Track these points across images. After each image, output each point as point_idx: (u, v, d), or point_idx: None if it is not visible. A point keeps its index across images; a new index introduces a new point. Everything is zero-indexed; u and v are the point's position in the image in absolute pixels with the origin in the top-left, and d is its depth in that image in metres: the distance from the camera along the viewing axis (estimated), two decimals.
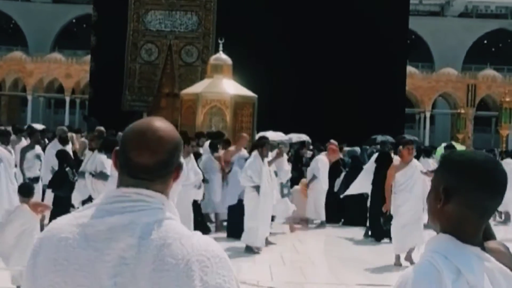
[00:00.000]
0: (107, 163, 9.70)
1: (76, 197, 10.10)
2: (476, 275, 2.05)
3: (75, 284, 2.00)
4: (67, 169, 10.63)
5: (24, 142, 15.64)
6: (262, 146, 12.85)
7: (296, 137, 25.92)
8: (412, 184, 11.61)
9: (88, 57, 43.43)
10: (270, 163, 13.10)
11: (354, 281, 10.48)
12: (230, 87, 21.93)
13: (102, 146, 9.93)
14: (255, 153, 12.79)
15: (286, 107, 31.96)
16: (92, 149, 10.10)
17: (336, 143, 18.35)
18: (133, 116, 33.99)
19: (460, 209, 2.13)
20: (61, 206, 10.22)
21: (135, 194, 2.08)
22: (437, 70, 63.95)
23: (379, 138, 26.84)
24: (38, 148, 13.02)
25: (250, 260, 11.92)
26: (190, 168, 12.29)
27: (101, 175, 9.63)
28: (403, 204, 11.53)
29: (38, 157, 12.66)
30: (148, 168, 2.10)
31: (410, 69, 49.28)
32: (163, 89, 34.95)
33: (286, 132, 24.15)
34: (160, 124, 2.20)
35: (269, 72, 31.33)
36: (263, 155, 12.67)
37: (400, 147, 12.52)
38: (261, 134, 18.73)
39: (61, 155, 12.51)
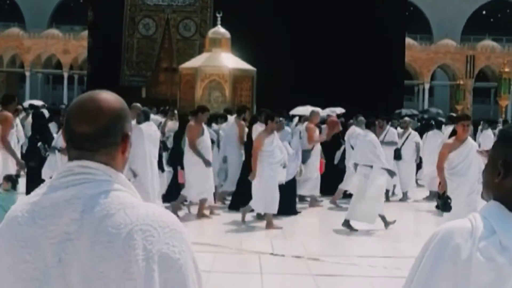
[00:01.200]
0: None
1: (46, 172, 10.01)
2: (511, 237, 2.06)
3: (21, 262, 1.98)
4: (39, 144, 10.55)
5: None
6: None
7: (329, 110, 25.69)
8: (467, 165, 10.25)
9: (86, 33, 43.27)
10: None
11: (354, 253, 10.53)
12: (229, 61, 21.90)
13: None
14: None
15: (285, 80, 31.89)
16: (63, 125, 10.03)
17: (335, 117, 18.31)
18: (132, 91, 34.01)
19: None
20: (34, 181, 10.31)
21: (78, 167, 2.05)
22: (436, 41, 63.75)
23: (404, 111, 26.71)
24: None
25: (251, 235, 11.97)
26: (275, 145, 12.32)
27: (65, 150, 9.54)
28: (456, 188, 10.11)
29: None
30: (88, 136, 2.07)
31: (408, 41, 49.10)
32: (162, 63, 34.88)
33: (287, 105, 24.05)
34: (102, 95, 2.17)
35: (267, 45, 31.22)
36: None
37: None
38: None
39: (36, 129, 12.60)
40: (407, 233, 12.75)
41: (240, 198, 13.60)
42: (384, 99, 31.08)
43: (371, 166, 12.39)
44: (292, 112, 20.65)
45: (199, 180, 12.78)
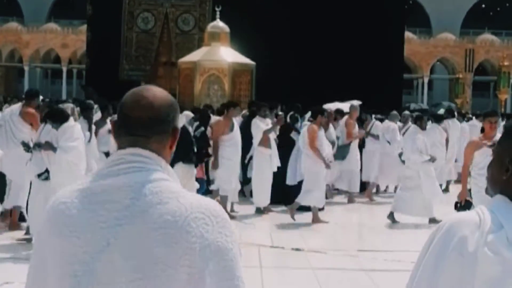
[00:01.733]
0: (54, 134, 9.58)
1: (32, 169, 9.94)
2: None
3: (70, 245, 2.02)
4: (20, 141, 10.50)
5: None
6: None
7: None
8: None
9: (84, 27, 43.22)
10: (268, 131, 13.10)
11: (354, 246, 10.55)
12: (228, 55, 21.88)
13: (47, 116, 9.73)
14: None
15: (284, 74, 31.85)
16: (42, 121, 9.93)
17: (332, 109, 18.33)
18: (130, 86, 33.93)
19: None
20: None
21: (130, 156, 2.11)
22: (435, 35, 63.72)
23: (413, 106, 26.70)
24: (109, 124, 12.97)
25: (250, 226, 12.00)
26: (324, 140, 12.55)
27: (47, 145, 9.49)
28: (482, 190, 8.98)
29: (110, 131, 12.67)
30: (144, 122, 2.15)
31: (407, 34, 49.08)
32: (160, 57, 34.81)
33: (286, 99, 24.04)
34: (156, 88, 2.33)
35: (266, 39, 31.18)
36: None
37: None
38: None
39: None
40: (406, 226, 12.77)
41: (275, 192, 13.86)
42: (383, 93, 31.07)
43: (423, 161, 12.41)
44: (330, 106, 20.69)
45: (226, 176, 12.75)
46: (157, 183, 2.06)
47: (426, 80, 60.77)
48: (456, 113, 21.32)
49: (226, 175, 12.70)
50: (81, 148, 9.54)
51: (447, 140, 16.63)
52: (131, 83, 34.01)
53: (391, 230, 12.04)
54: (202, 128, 13.76)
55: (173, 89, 25.93)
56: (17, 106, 11.62)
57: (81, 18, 51.45)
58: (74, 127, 9.60)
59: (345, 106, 17.29)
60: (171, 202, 2.01)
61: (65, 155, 9.29)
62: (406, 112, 19.11)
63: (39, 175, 9.67)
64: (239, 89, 22.00)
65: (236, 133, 12.97)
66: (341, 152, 14.38)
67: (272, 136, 13.30)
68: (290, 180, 13.97)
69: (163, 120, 2.20)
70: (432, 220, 12.13)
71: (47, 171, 9.60)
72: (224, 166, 12.74)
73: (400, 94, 36.41)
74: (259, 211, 13.14)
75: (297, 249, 10.01)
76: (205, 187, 13.64)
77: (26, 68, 59.83)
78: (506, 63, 47.42)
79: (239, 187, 13.49)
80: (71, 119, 9.70)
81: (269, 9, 32.26)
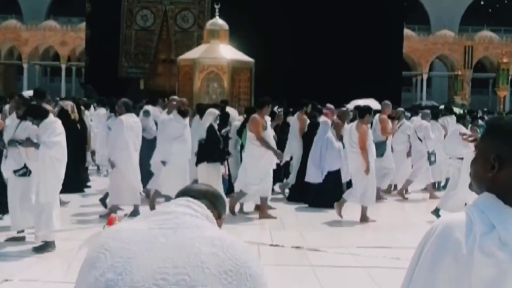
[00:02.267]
0: (33, 130, 9.62)
1: (9, 166, 9.96)
2: (510, 233, 2.06)
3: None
4: None
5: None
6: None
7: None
8: None
9: (83, 24, 43.23)
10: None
11: (353, 244, 10.55)
12: (227, 52, 21.87)
13: (27, 113, 9.78)
14: None
15: (283, 71, 31.89)
16: (20, 117, 9.98)
17: (332, 106, 18.33)
18: (130, 83, 34.00)
19: None
20: None
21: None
22: (434, 32, 63.71)
23: (424, 103, 26.64)
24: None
25: (250, 224, 12.00)
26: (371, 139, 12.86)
27: (28, 142, 9.51)
28: None
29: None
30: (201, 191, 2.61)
31: (406, 31, 49.06)
32: (160, 55, 34.84)
33: (285, 96, 24.07)
34: None
35: (266, 36, 31.21)
36: None
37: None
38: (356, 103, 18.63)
39: None
40: (405, 224, 12.78)
41: (300, 190, 14.10)
42: (382, 90, 31.06)
43: (462, 159, 12.35)
44: (348, 106, 20.81)
45: (262, 176, 12.49)
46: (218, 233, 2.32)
47: (425, 77, 60.77)
48: (465, 112, 21.35)
49: (258, 176, 12.46)
50: (63, 144, 9.56)
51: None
52: (130, 80, 34.11)
53: (391, 228, 12.05)
54: (228, 128, 13.87)
55: (172, 86, 25.98)
56: None
57: (80, 15, 51.40)
58: (56, 122, 9.62)
59: (364, 103, 17.31)
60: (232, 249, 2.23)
61: (49, 150, 9.30)
62: (400, 108, 19.06)
63: (15, 171, 9.74)
64: (238, 87, 21.99)
65: (269, 131, 12.84)
66: (379, 150, 14.32)
67: (272, 132, 13.26)
68: (312, 178, 13.97)
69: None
70: None
71: (25, 167, 9.66)
72: (257, 166, 12.48)
73: (399, 91, 36.45)
74: (258, 208, 13.14)
75: (297, 247, 10.02)
76: (227, 185, 13.87)
77: (25, 66, 59.78)
78: (505, 60, 47.33)
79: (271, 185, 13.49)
80: (51, 115, 9.77)
81: (268, 6, 32.28)
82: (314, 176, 13.91)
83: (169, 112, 13.25)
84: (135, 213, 11.75)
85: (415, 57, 59.91)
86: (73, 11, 63.13)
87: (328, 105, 18.12)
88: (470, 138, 11.15)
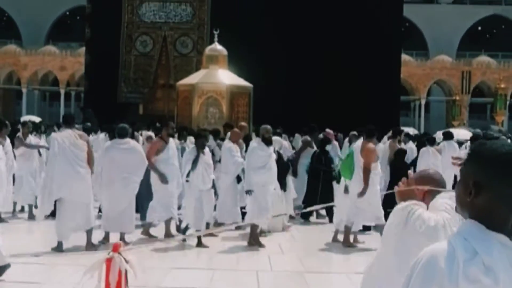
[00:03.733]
0: None
1: None
2: (494, 257, 2.10)
3: None
4: None
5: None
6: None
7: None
8: None
9: (82, 49, 43.39)
10: None
11: (353, 269, 10.55)
12: (226, 78, 21.99)
13: None
14: None
15: (282, 96, 31.97)
16: None
17: (331, 131, 18.42)
18: (129, 108, 34.07)
19: (490, 202, 2.18)
20: None
21: None
22: (432, 57, 63.97)
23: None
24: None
25: (249, 249, 11.99)
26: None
27: None
28: None
29: None
30: None
31: (404, 57, 49.32)
32: (159, 80, 34.95)
33: (283, 121, 24.06)
34: None
35: (264, 62, 31.32)
36: None
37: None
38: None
39: None
40: None
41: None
42: (380, 115, 31.14)
43: None
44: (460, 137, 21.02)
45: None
46: None
47: (423, 102, 60.91)
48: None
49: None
50: (2, 168, 9.85)
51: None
52: (129, 105, 34.18)
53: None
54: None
55: (171, 111, 26.03)
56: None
57: (79, 40, 51.64)
58: None
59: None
60: None
61: None
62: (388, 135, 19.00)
63: None
64: (237, 111, 22.08)
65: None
66: None
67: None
68: None
69: None
70: None
71: None
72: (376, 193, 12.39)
73: (397, 116, 36.48)
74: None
75: (296, 272, 10.01)
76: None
77: (24, 91, 59.91)
78: (502, 85, 47.63)
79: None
80: None
81: (266, 32, 32.41)
82: None
83: (169, 136, 13.29)
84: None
85: (413, 82, 60.10)
86: (72, 36, 63.44)
87: (328, 130, 18.22)
88: (459, 162, 11.17)
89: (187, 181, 12.07)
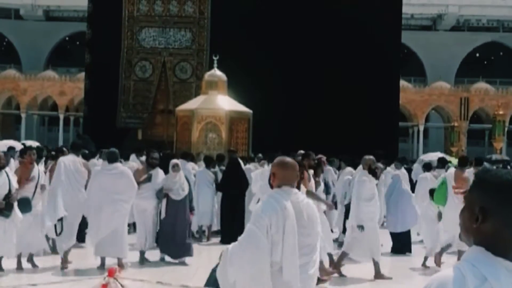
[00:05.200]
0: None
1: None
2: (502, 283, 2.11)
3: None
4: None
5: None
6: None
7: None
8: None
9: (82, 75, 43.51)
10: None
11: None
12: (225, 103, 22.04)
13: None
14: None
15: (280, 122, 32.03)
16: None
17: (324, 157, 18.42)
18: (128, 133, 34.11)
19: (497, 228, 2.19)
20: None
21: None
22: (430, 83, 64.13)
23: (494, 156, 26.39)
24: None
25: None
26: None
27: None
28: None
29: None
30: None
31: (403, 83, 49.44)
32: (158, 105, 35.02)
33: (282, 147, 24.07)
34: None
35: (263, 87, 31.43)
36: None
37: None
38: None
39: None
40: (400, 275, 12.71)
41: None
42: (379, 141, 31.16)
43: None
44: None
45: None
46: None
47: (421, 128, 60.98)
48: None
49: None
50: None
51: None
52: (129, 130, 34.21)
53: (391, 283, 11.99)
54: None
55: (171, 136, 26.07)
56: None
57: (79, 66, 51.81)
58: None
59: None
60: None
61: None
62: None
63: None
64: (236, 137, 22.13)
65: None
66: None
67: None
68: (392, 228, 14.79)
69: None
70: None
71: None
72: None
73: (396, 142, 36.54)
74: None
75: None
76: None
77: (23, 115, 59.96)
78: (501, 112, 47.67)
79: None
80: None
81: (266, 57, 32.56)
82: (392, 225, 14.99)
83: (149, 165, 13.49)
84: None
85: (411, 108, 60.21)
86: (72, 61, 63.65)
87: (320, 156, 18.21)
88: (461, 190, 11.22)
89: None
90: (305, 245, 5.22)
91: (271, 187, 5.38)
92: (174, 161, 13.52)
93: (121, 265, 11.29)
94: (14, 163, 15.32)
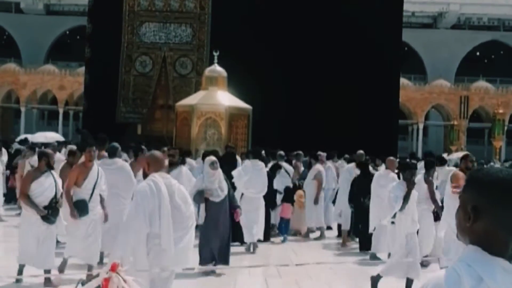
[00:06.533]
0: None
1: None
2: (498, 283, 2.10)
3: None
4: None
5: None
6: None
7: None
8: None
9: (82, 69, 43.49)
10: None
11: None
12: (225, 99, 22.01)
13: None
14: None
15: (280, 118, 32.00)
16: None
17: (324, 154, 18.43)
18: (127, 128, 34.08)
19: (490, 227, 2.19)
20: None
21: None
22: (430, 82, 64.15)
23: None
24: None
25: (246, 273, 11.93)
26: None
27: None
28: None
29: None
30: None
31: (403, 81, 49.42)
32: (158, 101, 34.97)
33: (282, 143, 24.06)
34: None
35: (263, 83, 31.39)
36: None
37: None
38: None
39: None
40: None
41: None
42: (378, 139, 31.16)
43: None
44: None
45: None
46: None
47: (421, 126, 60.98)
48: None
49: None
50: None
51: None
52: (128, 125, 34.18)
53: (389, 279, 11.97)
54: None
55: (170, 132, 26.05)
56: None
57: (79, 60, 51.79)
58: None
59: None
60: None
61: None
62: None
63: None
64: (235, 133, 22.11)
65: None
66: None
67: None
68: None
69: None
70: None
71: None
72: None
73: (395, 140, 36.51)
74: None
75: None
76: None
77: (22, 109, 59.95)
78: (500, 111, 47.75)
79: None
80: None
81: (266, 53, 32.51)
82: None
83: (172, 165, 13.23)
84: None
85: (411, 106, 60.21)
86: (72, 56, 63.61)
87: (320, 153, 18.23)
88: (458, 190, 11.12)
89: None
90: (177, 221, 6.67)
91: (146, 175, 6.85)
92: (212, 158, 12.12)
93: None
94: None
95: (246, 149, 20.92)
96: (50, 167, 9.88)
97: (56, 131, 57.99)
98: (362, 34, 33.99)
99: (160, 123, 33.39)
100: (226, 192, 11.55)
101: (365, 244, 13.89)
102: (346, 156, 19.57)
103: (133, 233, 6.53)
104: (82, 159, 11.13)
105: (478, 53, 72.21)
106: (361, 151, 16.74)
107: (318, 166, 16.98)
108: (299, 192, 16.64)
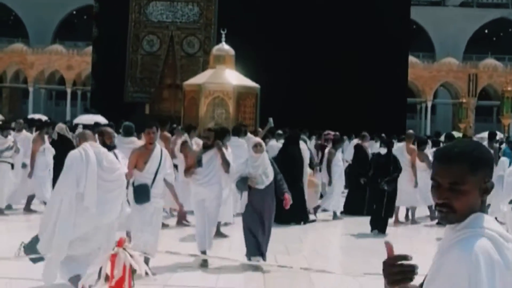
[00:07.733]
0: None
1: None
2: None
3: None
4: None
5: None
6: None
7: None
8: None
9: (89, 49, 43.46)
10: None
11: (361, 270, 10.51)
12: (233, 78, 21.93)
13: None
14: None
15: (288, 97, 31.97)
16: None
17: (332, 132, 18.41)
18: (135, 107, 34.11)
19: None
20: None
21: None
22: (438, 59, 63.89)
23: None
24: None
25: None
26: None
27: None
28: None
29: None
30: None
31: (411, 59, 49.21)
32: (165, 80, 34.97)
33: (290, 122, 24.05)
34: None
35: (271, 62, 31.33)
36: None
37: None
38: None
39: None
40: (411, 250, 12.72)
41: None
42: (387, 117, 31.12)
43: None
44: None
45: None
46: None
47: (429, 104, 60.81)
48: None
49: None
50: None
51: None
52: (136, 105, 34.21)
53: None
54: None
55: (178, 111, 26.04)
56: None
57: (86, 39, 51.74)
58: None
59: None
60: None
61: None
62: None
63: None
64: (243, 112, 22.06)
65: None
66: None
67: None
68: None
69: None
70: None
71: None
72: None
73: (404, 118, 36.45)
74: None
75: (305, 269, 9.95)
76: None
77: (30, 89, 59.99)
78: (509, 88, 47.48)
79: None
80: None
81: (274, 32, 32.44)
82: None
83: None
84: None
85: (419, 84, 60.02)
86: (79, 35, 63.53)
87: (328, 131, 18.22)
88: None
89: None
90: (108, 181, 7.90)
91: (77, 145, 8.18)
92: (257, 139, 10.79)
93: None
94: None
95: (254, 128, 20.92)
96: (111, 147, 8.83)
97: (64, 111, 58.20)
98: (370, 12, 33.88)
99: (168, 102, 33.39)
100: (271, 178, 10.11)
101: (377, 224, 13.78)
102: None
103: (62, 194, 7.75)
104: (142, 141, 10.32)
105: (486, 31, 71.80)
106: (411, 131, 16.33)
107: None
108: (310, 171, 16.52)
